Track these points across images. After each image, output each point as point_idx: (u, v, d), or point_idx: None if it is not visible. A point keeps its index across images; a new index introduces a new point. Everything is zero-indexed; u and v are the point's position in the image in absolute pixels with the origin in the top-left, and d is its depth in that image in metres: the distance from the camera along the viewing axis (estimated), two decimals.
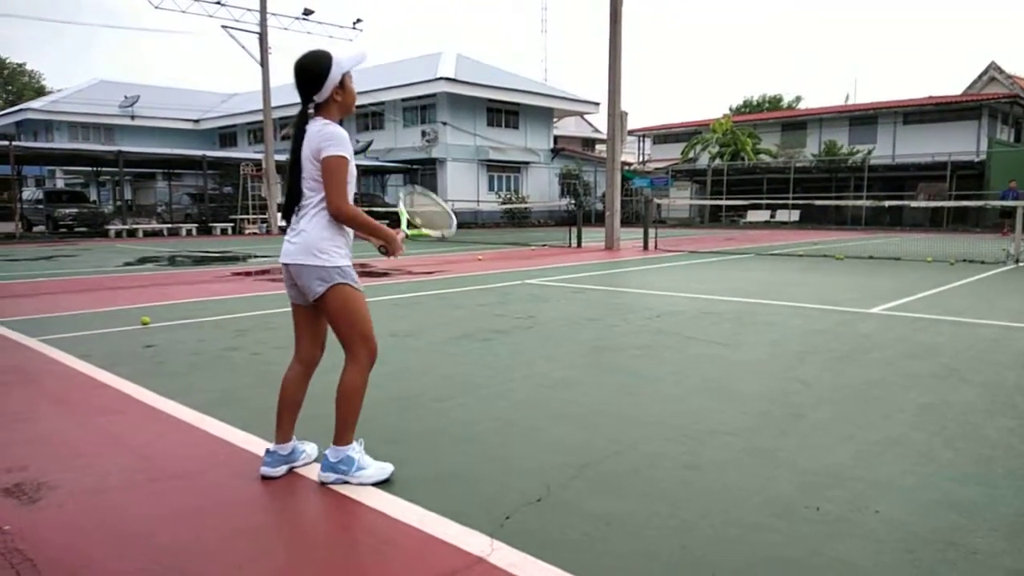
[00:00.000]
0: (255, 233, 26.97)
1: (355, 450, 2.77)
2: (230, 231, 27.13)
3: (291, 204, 2.77)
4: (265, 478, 2.82)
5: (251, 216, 27.91)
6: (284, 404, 2.89)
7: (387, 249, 2.88)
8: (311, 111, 2.73)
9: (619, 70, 17.26)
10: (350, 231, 2.82)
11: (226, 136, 47.40)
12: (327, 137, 2.64)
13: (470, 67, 36.19)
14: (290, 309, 2.93)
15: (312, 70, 2.67)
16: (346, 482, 2.74)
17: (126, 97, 43.12)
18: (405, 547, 2.28)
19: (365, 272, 11.48)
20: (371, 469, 2.77)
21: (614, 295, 8.78)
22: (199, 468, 2.96)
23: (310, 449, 3.03)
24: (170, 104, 44.28)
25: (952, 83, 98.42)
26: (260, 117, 29.71)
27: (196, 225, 27.10)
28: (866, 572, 2.10)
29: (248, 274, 11.42)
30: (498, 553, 2.20)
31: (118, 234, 24.19)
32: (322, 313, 2.80)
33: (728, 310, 7.16)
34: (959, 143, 30.78)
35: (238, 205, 28.32)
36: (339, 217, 2.69)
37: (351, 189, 2.75)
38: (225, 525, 2.44)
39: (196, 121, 46.32)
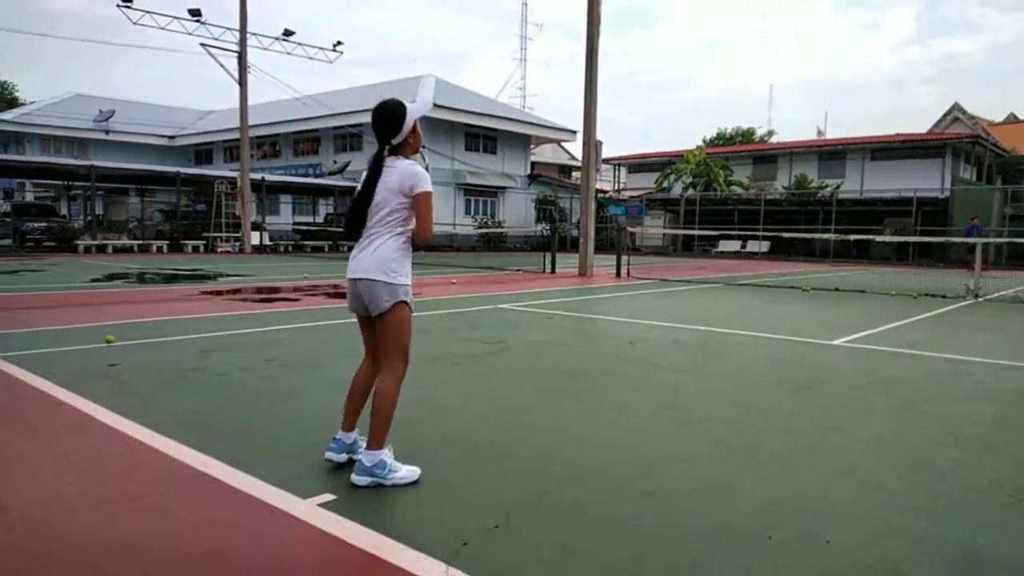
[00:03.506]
0: (227, 251, 26.72)
1: (387, 454, 3.04)
2: (202, 248, 26.85)
3: (355, 226, 3.12)
4: (328, 461, 3.23)
5: (224, 234, 27.66)
6: (351, 395, 3.28)
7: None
8: (387, 151, 3.11)
9: (595, 100, 17.55)
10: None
11: (202, 153, 47.07)
12: (418, 175, 3.04)
13: (449, 92, 36.51)
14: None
15: (392, 116, 3.07)
16: (380, 484, 2.97)
17: (101, 111, 42.68)
18: (358, 574, 2.28)
19: (336, 293, 11.44)
20: (403, 471, 3.04)
21: (584, 322, 8.86)
22: (155, 491, 2.93)
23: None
24: (146, 120, 43.93)
25: (918, 121, 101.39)
26: (237, 135, 29.60)
27: (167, 242, 26.77)
28: None
29: (218, 293, 11.31)
30: None
31: (87, 249, 23.80)
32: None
33: (695, 339, 7.26)
34: (924, 180, 31.67)
35: (211, 223, 28.08)
36: (427, 240, 3.12)
37: (411, 222, 3.13)
38: (178, 549, 2.42)
39: (172, 137, 45.98)
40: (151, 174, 29.47)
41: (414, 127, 3.13)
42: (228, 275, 15.32)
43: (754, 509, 2.83)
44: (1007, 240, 20.15)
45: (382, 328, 3.09)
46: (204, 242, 27.30)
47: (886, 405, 4.60)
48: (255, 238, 27.65)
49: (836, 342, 7.19)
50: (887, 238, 20.54)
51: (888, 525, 2.71)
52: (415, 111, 3.11)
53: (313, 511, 2.72)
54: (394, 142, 3.09)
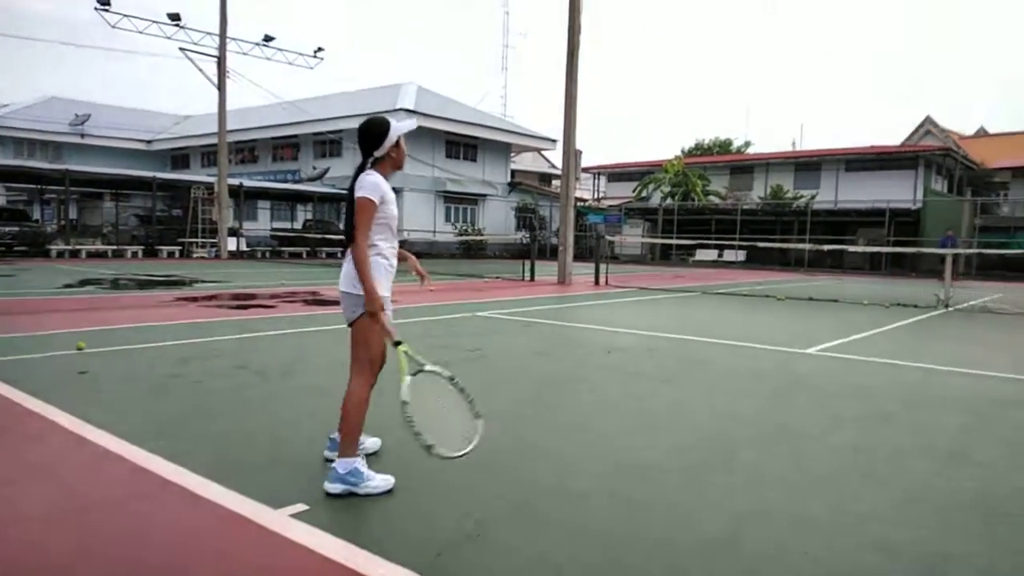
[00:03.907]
0: (203, 257, 26.42)
1: (360, 463, 3.03)
2: (177, 254, 26.52)
3: (347, 239, 3.10)
4: (327, 460, 3.27)
5: (200, 240, 27.36)
6: None
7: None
8: (370, 164, 3.16)
9: (575, 108, 17.64)
10: (393, 266, 3.21)
11: (179, 158, 46.55)
12: (363, 183, 3.07)
13: (430, 100, 36.50)
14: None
15: (374, 131, 3.16)
16: (354, 493, 2.95)
17: (76, 115, 42.08)
18: None
19: (314, 300, 11.36)
20: (376, 480, 3.02)
21: (563, 329, 8.87)
22: (124, 500, 2.88)
23: (369, 443, 3.49)
24: (122, 124, 43.36)
25: (891, 134, 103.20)
26: (215, 140, 29.31)
27: (142, 247, 26.39)
28: None
29: (193, 299, 11.17)
30: None
31: (60, 254, 23.39)
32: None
33: (671, 347, 7.30)
34: (897, 191, 32.22)
35: (187, 228, 27.74)
36: (351, 249, 3.03)
37: (385, 232, 3.13)
38: (147, 560, 2.38)
39: (149, 142, 45.43)
40: (127, 178, 29.05)
41: (397, 143, 3.21)
42: (204, 281, 15.13)
43: (729, 518, 2.85)
44: (977, 251, 20.55)
45: (351, 338, 3.15)
46: (180, 248, 26.96)
47: (860, 414, 4.65)
48: (232, 244, 27.37)
49: (810, 351, 7.27)
50: (860, 248, 20.86)
51: (864, 535, 2.73)
52: (399, 128, 3.21)
53: (285, 521, 2.69)
54: (376, 154, 3.17)
